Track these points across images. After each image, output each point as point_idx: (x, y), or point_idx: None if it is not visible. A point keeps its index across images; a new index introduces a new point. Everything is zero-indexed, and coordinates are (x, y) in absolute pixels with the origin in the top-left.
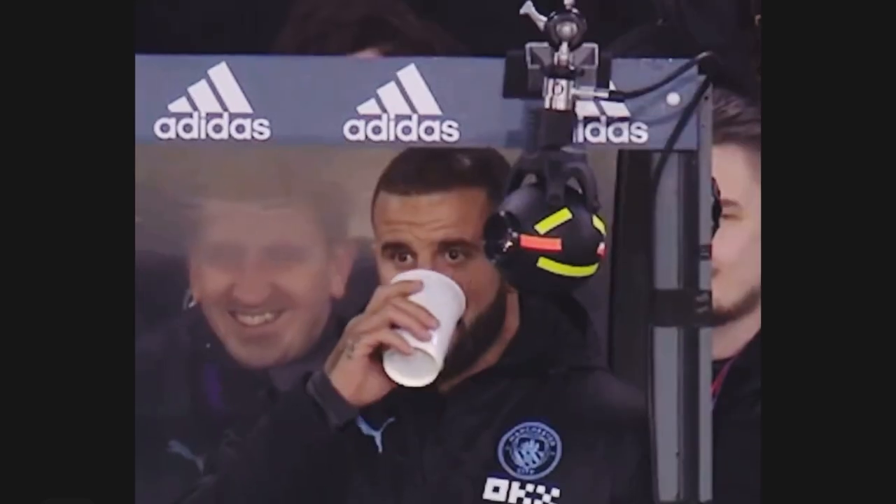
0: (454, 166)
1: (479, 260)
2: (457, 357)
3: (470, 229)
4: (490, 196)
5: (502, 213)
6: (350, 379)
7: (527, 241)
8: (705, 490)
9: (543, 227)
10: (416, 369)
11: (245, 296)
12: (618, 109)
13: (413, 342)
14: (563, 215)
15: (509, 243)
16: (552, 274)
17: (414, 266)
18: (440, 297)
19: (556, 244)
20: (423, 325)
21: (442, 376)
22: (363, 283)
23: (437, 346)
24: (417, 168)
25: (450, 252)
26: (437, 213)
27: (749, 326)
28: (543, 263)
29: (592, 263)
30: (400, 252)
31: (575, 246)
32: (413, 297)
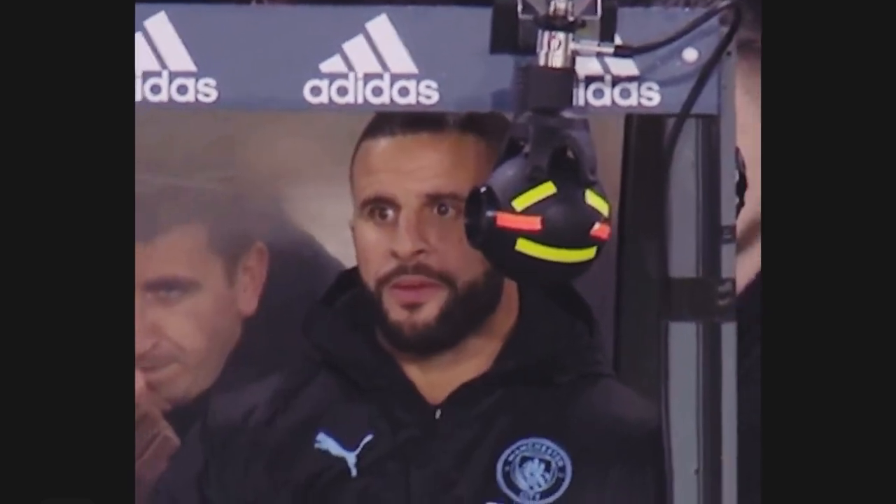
0: (449, 114)
1: None
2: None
3: (465, 181)
4: (489, 146)
5: (482, 189)
6: None
7: (503, 219)
8: None
9: (521, 203)
10: None
11: None
12: (625, 67)
13: None
14: (546, 190)
15: (485, 223)
16: (534, 258)
17: (395, 223)
18: None
19: (535, 223)
20: None
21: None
22: (282, 287)
23: None
24: (407, 112)
25: (439, 206)
26: (428, 159)
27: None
28: (522, 245)
29: (584, 247)
30: (381, 208)
31: (559, 225)
32: None
